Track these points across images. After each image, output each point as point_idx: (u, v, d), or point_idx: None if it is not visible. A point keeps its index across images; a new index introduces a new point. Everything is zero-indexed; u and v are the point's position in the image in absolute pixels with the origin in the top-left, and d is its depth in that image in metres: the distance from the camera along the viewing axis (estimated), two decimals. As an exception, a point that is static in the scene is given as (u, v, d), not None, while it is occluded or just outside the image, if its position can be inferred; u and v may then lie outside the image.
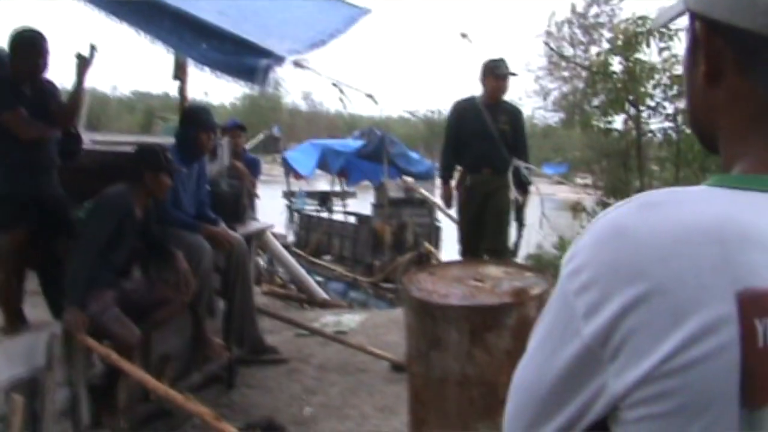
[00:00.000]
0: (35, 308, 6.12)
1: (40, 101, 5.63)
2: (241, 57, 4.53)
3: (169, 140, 6.61)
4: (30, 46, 5.58)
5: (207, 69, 4.74)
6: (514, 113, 7.83)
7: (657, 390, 0.81)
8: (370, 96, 5.29)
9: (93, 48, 5.50)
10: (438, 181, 13.44)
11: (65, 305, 5.10)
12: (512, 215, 7.75)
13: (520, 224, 7.99)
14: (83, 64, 5.60)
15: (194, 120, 6.23)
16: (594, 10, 22.07)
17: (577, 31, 22.50)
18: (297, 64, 4.65)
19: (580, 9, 23.16)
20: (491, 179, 7.66)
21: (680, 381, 0.80)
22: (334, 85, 4.95)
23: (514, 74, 7.90)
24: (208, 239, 6.07)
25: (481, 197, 7.68)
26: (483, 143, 7.65)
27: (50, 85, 5.82)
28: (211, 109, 7.49)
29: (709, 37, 0.96)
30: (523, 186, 7.70)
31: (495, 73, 7.71)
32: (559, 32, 22.26)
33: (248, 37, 4.56)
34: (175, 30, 4.64)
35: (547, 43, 19.12)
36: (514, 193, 7.42)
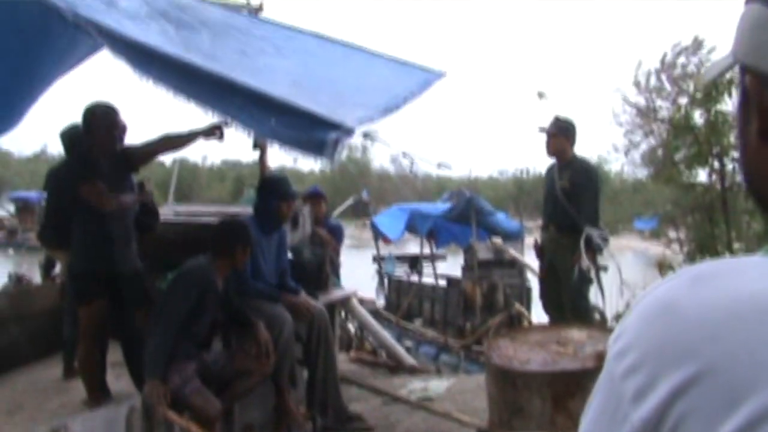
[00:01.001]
0: (119, 379, 6.21)
1: (117, 174, 5.77)
2: (310, 131, 4.53)
3: (248, 210, 6.67)
4: (103, 120, 5.75)
5: (276, 144, 4.76)
6: (578, 170, 7.78)
7: None
8: (441, 165, 5.24)
9: (225, 125, 5.63)
10: (527, 241, 13.40)
11: (146, 377, 5.13)
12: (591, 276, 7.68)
13: (600, 287, 7.91)
14: (209, 132, 5.74)
15: (273, 190, 6.28)
16: (682, 59, 21.73)
17: (666, 82, 22.15)
18: (367, 135, 4.63)
19: (669, 59, 22.85)
20: (557, 237, 7.80)
21: None
22: (404, 154, 4.92)
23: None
24: (289, 309, 6.07)
25: (549, 254, 7.91)
26: (549, 201, 7.92)
27: (127, 152, 5.95)
28: (301, 175, 7.58)
29: (762, 92, 0.88)
30: (593, 251, 7.58)
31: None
32: (646, 83, 21.94)
33: (317, 110, 4.56)
34: (245, 107, 4.68)
35: (625, 98, 18.78)
36: (585, 262, 7.34)
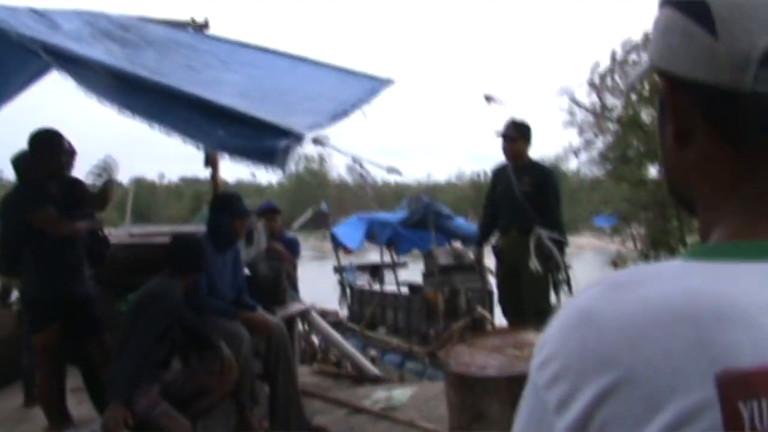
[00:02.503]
0: (80, 405, 6.13)
1: (66, 199, 5.71)
2: (259, 140, 4.50)
3: (203, 228, 6.63)
4: (48, 145, 5.70)
5: (227, 155, 4.73)
6: (539, 174, 7.81)
7: None
8: (392, 170, 5.24)
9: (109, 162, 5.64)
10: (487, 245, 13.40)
11: (109, 401, 5.07)
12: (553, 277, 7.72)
13: (569, 286, 7.92)
14: (109, 168, 5.71)
15: (225, 207, 6.25)
16: (633, 56, 21.91)
17: (619, 80, 22.34)
18: (317, 141, 4.62)
19: (619, 57, 23.04)
20: (519, 241, 7.73)
21: None
22: (354, 160, 4.92)
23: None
24: (246, 325, 6.04)
25: (511, 258, 7.85)
26: (509, 206, 7.82)
27: (76, 182, 5.91)
28: (259, 189, 7.56)
29: (675, 95, 0.90)
30: (548, 254, 7.60)
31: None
32: (601, 83, 22.12)
33: (265, 117, 4.54)
34: (191, 119, 4.64)
35: (573, 99, 18.93)
36: (534, 264, 7.37)
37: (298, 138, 4.48)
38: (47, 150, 5.71)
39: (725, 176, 0.87)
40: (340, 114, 5.30)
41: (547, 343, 0.83)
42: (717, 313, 0.75)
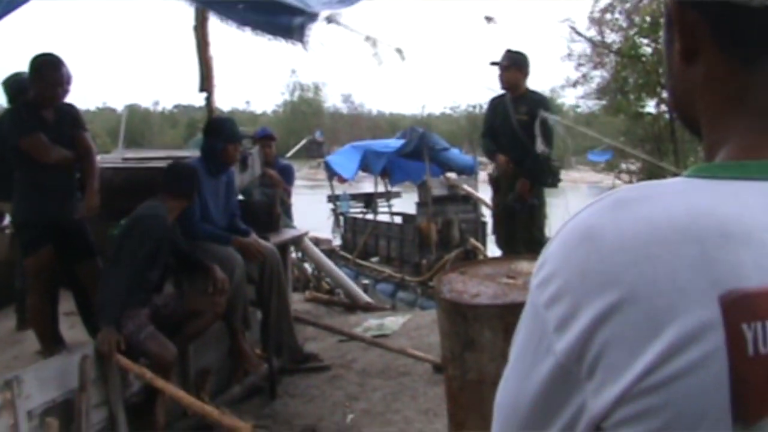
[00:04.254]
0: (73, 328, 6.16)
1: (61, 126, 5.66)
2: (276, 16, 4.69)
3: (196, 153, 6.60)
4: (49, 71, 5.62)
5: (248, 29, 4.92)
6: (535, 103, 7.75)
7: (638, 408, 0.72)
8: (398, 51, 5.30)
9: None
10: (481, 176, 13.38)
11: (100, 325, 5.09)
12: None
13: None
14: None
15: (219, 132, 6.20)
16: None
17: (619, 16, 22.08)
18: (330, 19, 4.72)
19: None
20: (514, 170, 7.72)
21: (663, 398, 0.71)
22: (367, 38, 4.98)
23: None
24: (239, 250, 6.05)
25: (506, 187, 7.84)
26: (505, 135, 7.82)
27: (71, 109, 5.85)
28: (254, 117, 7.51)
29: (682, 11, 0.87)
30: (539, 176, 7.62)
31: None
32: (602, 17, 21.90)
33: None
34: None
35: (573, 28, 18.76)
36: (540, 146, 7.36)
37: (311, 16, 4.63)
38: (46, 75, 5.63)
39: (732, 93, 0.86)
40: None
41: (547, 261, 0.81)
42: (721, 233, 0.73)
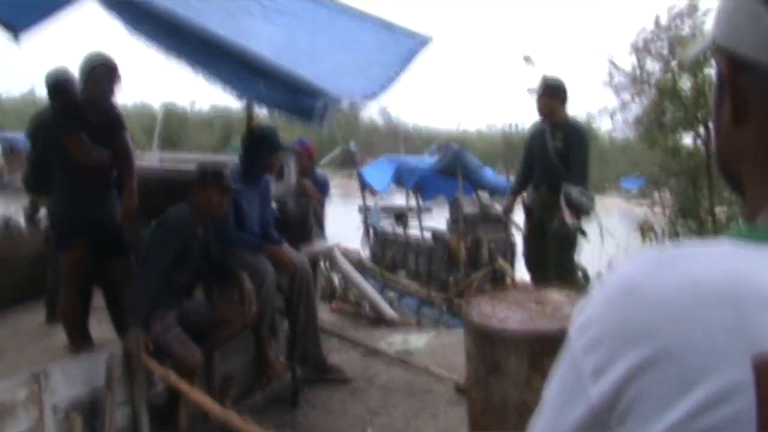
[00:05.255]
0: (100, 324, 6.23)
1: (103, 127, 5.71)
2: (298, 97, 4.62)
3: (234, 159, 6.64)
4: (104, 75, 5.68)
5: (265, 108, 4.80)
6: (570, 131, 7.76)
7: None
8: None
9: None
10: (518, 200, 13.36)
11: (128, 325, 5.14)
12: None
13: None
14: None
15: (260, 141, 6.24)
16: (677, 22, 21.43)
17: (661, 44, 21.87)
18: (353, 106, 4.68)
19: (663, 22, 22.48)
20: (548, 198, 7.73)
21: None
22: (385, 127, 5.02)
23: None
24: (271, 260, 6.08)
25: (539, 215, 7.88)
26: (542, 162, 7.85)
27: (113, 110, 5.90)
28: (289, 124, 7.51)
29: (735, 75, 0.90)
30: (576, 210, 7.59)
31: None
32: (645, 47, 21.72)
33: (305, 76, 4.59)
34: (234, 70, 4.73)
35: (612, 62, 18.61)
36: (569, 218, 7.36)
37: (335, 100, 4.59)
38: (103, 79, 5.68)
39: None
40: (369, 96, 5.28)
41: (589, 307, 0.84)
42: (758, 297, 0.75)
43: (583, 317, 0.84)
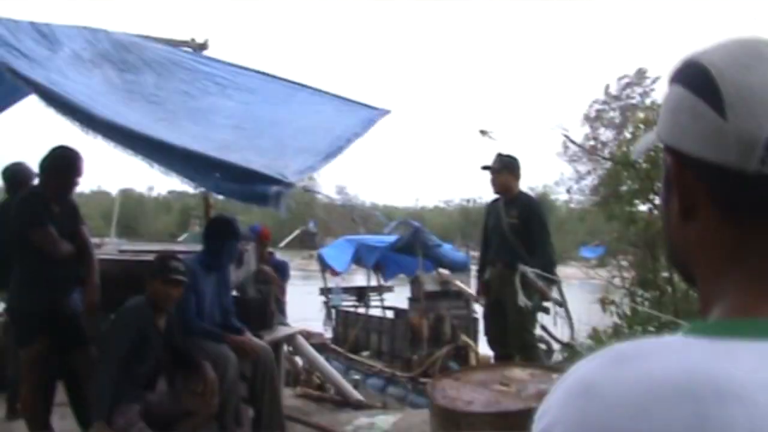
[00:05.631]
0: (63, 419, 6.11)
1: (64, 219, 5.70)
2: (252, 185, 4.70)
3: (193, 247, 6.64)
4: (70, 166, 5.69)
5: (222, 196, 4.89)
6: (525, 206, 7.87)
7: None
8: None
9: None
10: (473, 272, 13.47)
11: (92, 420, 5.07)
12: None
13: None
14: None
15: (219, 231, 6.26)
16: (627, 91, 21.99)
17: (614, 114, 22.40)
18: (306, 189, 4.78)
19: (614, 91, 23.05)
20: (504, 274, 7.76)
21: None
22: (343, 206, 5.11)
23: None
24: (233, 348, 6.04)
25: (496, 291, 7.92)
26: (497, 239, 7.91)
27: (72, 202, 5.91)
28: (248, 208, 7.55)
29: (681, 171, 0.92)
30: (534, 288, 7.63)
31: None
32: (597, 116, 22.19)
33: (258, 166, 4.70)
34: (189, 163, 4.82)
35: (566, 135, 18.94)
36: (522, 299, 7.38)
37: (288, 186, 4.66)
38: (68, 171, 5.70)
39: (728, 253, 0.89)
40: (334, 152, 5.43)
41: (548, 411, 0.85)
42: (716, 391, 0.76)
43: (545, 421, 0.84)
